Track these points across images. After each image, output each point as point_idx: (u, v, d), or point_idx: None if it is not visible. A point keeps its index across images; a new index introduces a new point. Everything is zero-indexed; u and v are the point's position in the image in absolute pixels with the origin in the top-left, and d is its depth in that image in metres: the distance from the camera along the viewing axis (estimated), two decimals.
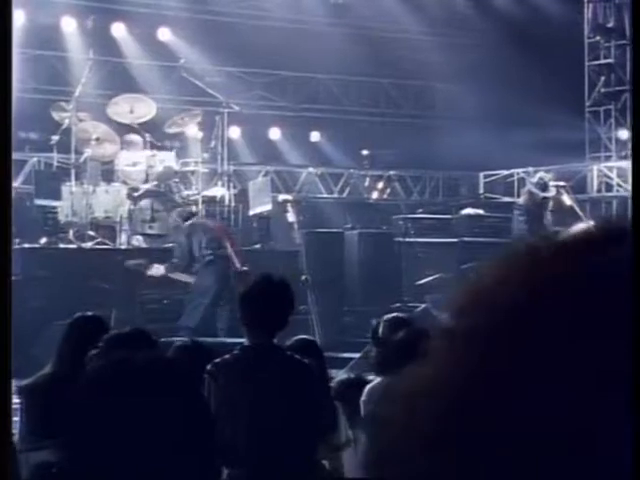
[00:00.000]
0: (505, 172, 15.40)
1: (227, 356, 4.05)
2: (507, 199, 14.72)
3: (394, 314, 5.92)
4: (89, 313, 5.47)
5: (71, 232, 11.53)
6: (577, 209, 12.07)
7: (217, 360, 4.00)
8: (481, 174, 16.16)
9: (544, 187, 11.56)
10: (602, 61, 15.05)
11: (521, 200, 11.95)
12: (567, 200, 12.26)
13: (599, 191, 14.90)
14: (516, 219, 11.65)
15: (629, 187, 12.45)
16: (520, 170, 14.85)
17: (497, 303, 0.62)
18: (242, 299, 4.06)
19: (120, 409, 1.37)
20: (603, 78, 15.02)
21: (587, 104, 15.25)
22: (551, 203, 11.59)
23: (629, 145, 13.55)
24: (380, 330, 5.46)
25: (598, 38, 15.07)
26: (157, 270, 10.69)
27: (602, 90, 15.05)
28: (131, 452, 1.34)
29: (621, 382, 0.58)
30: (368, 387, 4.79)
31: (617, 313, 0.60)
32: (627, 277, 0.60)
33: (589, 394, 0.59)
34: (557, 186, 12.54)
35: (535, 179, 11.79)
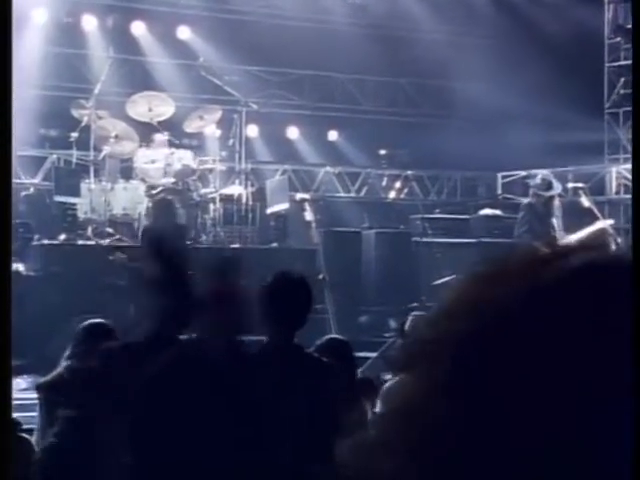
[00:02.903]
0: (523, 173, 15.34)
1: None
2: (525, 200, 14.67)
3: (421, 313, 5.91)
4: (97, 320, 5.63)
5: (90, 229, 11.59)
6: (595, 211, 12.03)
7: None
8: (499, 174, 16.11)
9: (549, 186, 11.50)
10: (622, 62, 14.97)
11: (527, 201, 11.90)
12: (585, 202, 12.21)
13: (617, 193, 14.82)
14: (519, 222, 11.61)
15: None
16: (518, 173, 14.81)
17: (488, 308, 0.63)
18: (262, 296, 4.05)
19: (185, 404, 1.38)
20: (623, 79, 14.93)
21: (606, 105, 15.17)
22: (557, 202, 11.53)
23: None
24: (406, 326, 5.47)
25: (618, 39, 14.98)
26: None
27: (621, 91, 14.97)
28: (196, 447, 1.36)
29: (619, 386, 0.59)
30: (386, 385, 4.80)
31: (612, 317, 0.60)
32: (622, 282, 0.61)
33: (585, 398, 0.59)
34: (575, 187, 12.49)
35: (538, 180, 11.72)
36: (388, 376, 7.23)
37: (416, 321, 5.21)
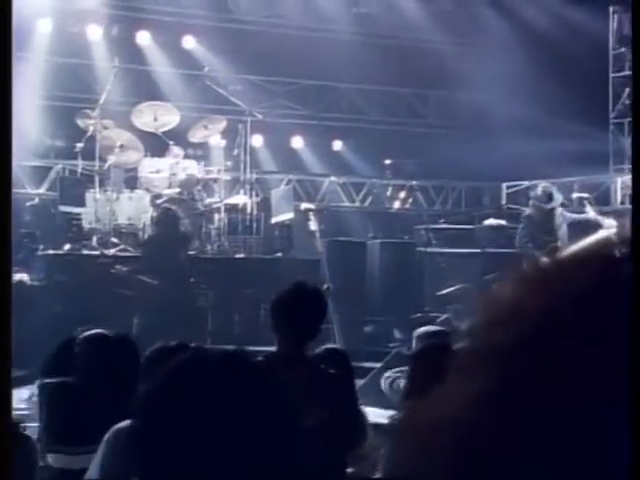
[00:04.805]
0: (528, 183, 15.34)
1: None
2: (526, 211, 14.68)
3: (427, 328, 5.80)
4: (102, 331, 5.66)
5: (94, 239, 11.60)
6: (601, 221, 12.01)
7: None
8: (504, 185, 16.11)
9: (549, 197, 11.47)
10: (627, 72, 14.97)
11: (527, 212, 11.87)
12: (590, 212, 12.20)
13: (623, 203, 14.80)
14: (519, 233, 11.58)
15: None
16: (522, 183, 14.78)
17: (519, 319, 0.62)
18: (274, 306, 4.02)
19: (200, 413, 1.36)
20: (628, 90, 14.93)
21: (611, 115, 15.17)
22: (559, 212, 11.49)
23: None
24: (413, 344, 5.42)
25: (623, 49, 14.99)
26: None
27: (627, 102, 14.97)
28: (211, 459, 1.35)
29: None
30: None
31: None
32: None
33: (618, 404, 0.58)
34: (580, 197, 12.47)
35: (539, 191, 11.67)
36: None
37: (432, 335, 5.10)
